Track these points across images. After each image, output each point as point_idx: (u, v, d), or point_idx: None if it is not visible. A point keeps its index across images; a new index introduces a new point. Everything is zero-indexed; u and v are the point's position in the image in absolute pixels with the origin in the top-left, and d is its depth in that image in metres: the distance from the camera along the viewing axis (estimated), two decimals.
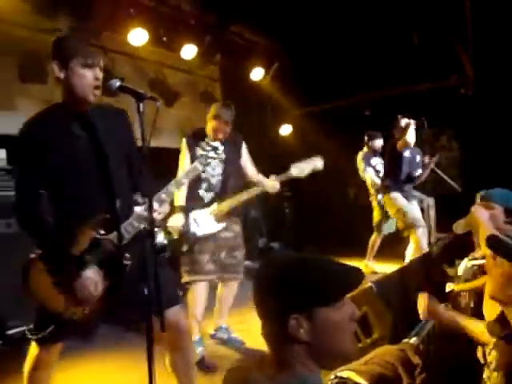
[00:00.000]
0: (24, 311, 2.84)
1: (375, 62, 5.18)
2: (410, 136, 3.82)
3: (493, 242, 1.44)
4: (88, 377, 2.60)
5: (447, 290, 1.83)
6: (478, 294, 1.67)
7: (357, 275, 0.96)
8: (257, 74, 5.36)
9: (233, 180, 2.84)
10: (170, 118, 4.85)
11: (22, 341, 2.90)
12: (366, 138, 4.82)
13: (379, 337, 2.15)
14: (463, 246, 1.91)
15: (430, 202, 4.54)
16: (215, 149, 2.77)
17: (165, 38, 4.35)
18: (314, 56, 5.43)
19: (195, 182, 2.70)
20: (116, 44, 4.24)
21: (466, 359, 1.60)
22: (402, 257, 4.14)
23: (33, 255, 1.65)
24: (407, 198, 4.14)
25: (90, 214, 1.64)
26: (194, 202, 2.76)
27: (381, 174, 4.68)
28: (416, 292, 1.88)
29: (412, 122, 3.83)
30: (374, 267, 4.83)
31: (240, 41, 5.34)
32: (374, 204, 4.77)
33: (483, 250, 1.55)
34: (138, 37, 3.97)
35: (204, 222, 2.75)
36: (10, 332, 3.01)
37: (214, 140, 2.79)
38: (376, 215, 4.77)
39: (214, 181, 2.79)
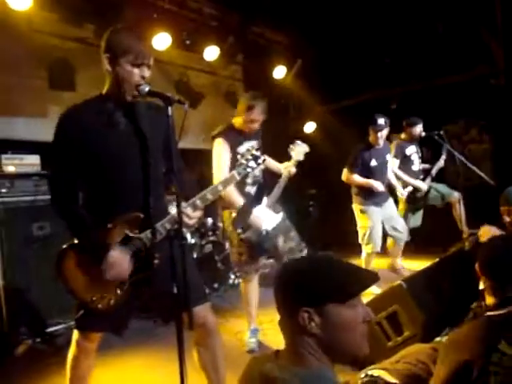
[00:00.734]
0: (62, 309, 2.98)
1: (400, 55, 5.07)
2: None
3: None
4: (120, 373, 2.67)
5: (480, 287, 1.78)
6: None
7: (369, 276, 1.00)
8: (279, 72, 5.35)
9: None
10: (194, 119, 4.90)
11: (61, 338, 3.05)
12: (404, 124, 4.56)
13: (410, 335, 2.11)
14: None
15: (458, 196, 4.41)
16: (252, 148, 2.72)
17: (188, 41, 4.41)
18: (337, 51, 5.37)
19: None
20: None
21: None
22: (431, 253, 4.04)
23: (65, 246, 1.70)
24: (379, 203, 4.02)
25: (123, 207, 1.65)
26: (242, 197, 2.70)
27: (415, 164, 4.54)
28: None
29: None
30: (403, 264, 4.74)
31: (261, 40, 5.35)
32: (399, 197, 4.65)
33: None
34: (161, 41, 4.03)
35: (267, 216, 2.76)
36: (49, 330, 3.14)
37: (249, 133, 2.76)
38: (401, 208, 4.65)
39: (257, 172, 2.77)
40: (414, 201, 4.53)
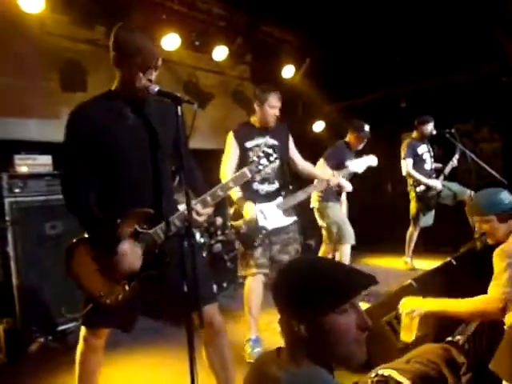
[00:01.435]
0: (74, 307, 3.01)
1: (410, 53, 5.03)
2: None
3: None
4: (130, 372, 2.68)
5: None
6: None
7: (363, 280, 0.97)
8: (288, 71, 5.34)
9: (286, 167, 2.78)
10: (203, 119, 4.92)
11: (72, 336, 3.09)
12: (415, 122, 4.56)
13: (421, 335, 2.09)
14: None
15: (469, 194, 4.36)
16: (264, 145, 2.63)
17: (197, 42, 4.43)
18: (346, 49, 5.34)
19: None
20: None
21: None
22: (442, 253, 4.01)
23: (75, 240, 1.71)
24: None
25: (134, 202, 1.65)
26: (248, 193, 2.67)
27: (428, 162, 4.53)
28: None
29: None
30: (414, 264, 4.71)
31: (270, 39, 5.34)
32: (412, 195, 4.62)
33: None
34: (170, 42, 4.07)
35: (272, 216, 2.69)
36: (60, 328, 3.18)
37: (264, 129, 2.72)
38: (413, 207, 4.61)
39: (268, 169, 2.65)
40: (426, 200, 4.50)
